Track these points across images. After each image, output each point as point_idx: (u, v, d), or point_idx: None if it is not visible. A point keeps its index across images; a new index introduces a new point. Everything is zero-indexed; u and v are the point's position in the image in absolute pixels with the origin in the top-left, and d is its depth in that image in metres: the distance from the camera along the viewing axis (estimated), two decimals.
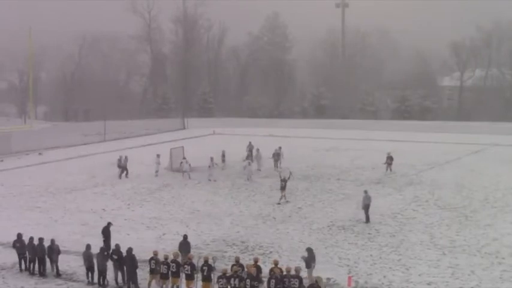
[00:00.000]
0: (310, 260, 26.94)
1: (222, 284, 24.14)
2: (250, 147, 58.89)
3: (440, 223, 36.14)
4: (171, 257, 26.06)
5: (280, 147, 54.83)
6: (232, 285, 23.92)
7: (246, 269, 24.35)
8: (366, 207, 36.64)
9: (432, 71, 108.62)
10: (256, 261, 25.36)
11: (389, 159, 51.44)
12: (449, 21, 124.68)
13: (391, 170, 51.27)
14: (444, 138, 71.11)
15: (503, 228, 34.94)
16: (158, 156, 52.03)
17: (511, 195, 42.99)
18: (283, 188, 41.54)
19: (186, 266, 25.53)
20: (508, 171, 51.55)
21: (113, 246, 27.90)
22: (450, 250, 31.27)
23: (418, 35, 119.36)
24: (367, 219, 36.36)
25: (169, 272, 25.56)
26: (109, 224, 31.50)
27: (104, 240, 30.18)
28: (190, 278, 25.48)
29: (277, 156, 53.69)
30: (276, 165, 53.10)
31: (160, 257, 26.25)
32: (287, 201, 41.33)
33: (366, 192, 37.38)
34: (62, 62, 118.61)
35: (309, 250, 27.37)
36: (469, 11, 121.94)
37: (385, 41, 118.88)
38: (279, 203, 40.99)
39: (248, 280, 23.80)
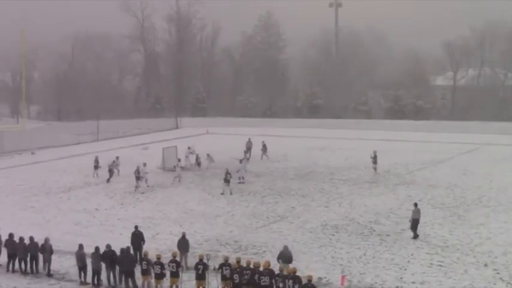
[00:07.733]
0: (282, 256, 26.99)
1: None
2: (248, 145, 58.64)
3: (434, 222, 36.12)
4: (163, 256, 25.98)
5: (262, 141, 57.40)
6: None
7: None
8: (415, 222, 33.38)
9: (425, 70, 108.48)
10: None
11: (374, 159, 51.03)
12: (442, 21, 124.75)
13: (375, 169, 50.75)
14: (437, 137, 71.16)
15: (496, 228, 34.99)
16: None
17: (504, 194, 43.06)
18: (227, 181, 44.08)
19: (171, 263, 25.54)
20: (501, 171, 51.66)
21: (103, 246, 27.51)
22: (443, 249, 31.29)
23: (411, 34, 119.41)
24: (415, 235, 33.10)
25: (169, 272, 25.51)
26: (136, 227, 30.66)
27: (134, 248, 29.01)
28: (175, 275, 25.55)
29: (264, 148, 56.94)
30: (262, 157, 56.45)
31: (152, 257, 26.21)
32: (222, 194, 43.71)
33: (415, 205, 34.02)
34: (54, 62, 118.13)
35: (285, 248, 27.53)
36: (461, 11, 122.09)
37: (378, 41, 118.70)
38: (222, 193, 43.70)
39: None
